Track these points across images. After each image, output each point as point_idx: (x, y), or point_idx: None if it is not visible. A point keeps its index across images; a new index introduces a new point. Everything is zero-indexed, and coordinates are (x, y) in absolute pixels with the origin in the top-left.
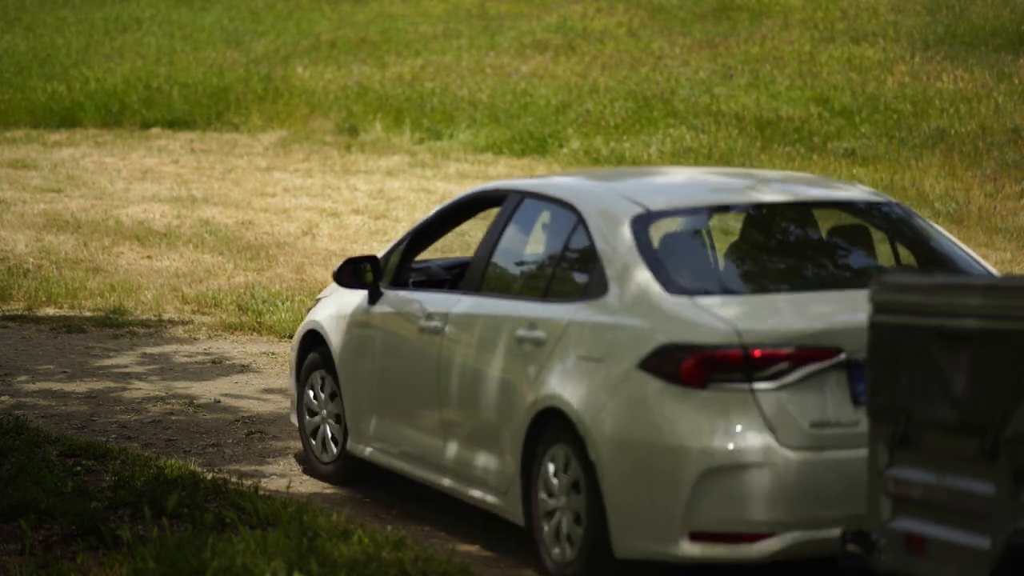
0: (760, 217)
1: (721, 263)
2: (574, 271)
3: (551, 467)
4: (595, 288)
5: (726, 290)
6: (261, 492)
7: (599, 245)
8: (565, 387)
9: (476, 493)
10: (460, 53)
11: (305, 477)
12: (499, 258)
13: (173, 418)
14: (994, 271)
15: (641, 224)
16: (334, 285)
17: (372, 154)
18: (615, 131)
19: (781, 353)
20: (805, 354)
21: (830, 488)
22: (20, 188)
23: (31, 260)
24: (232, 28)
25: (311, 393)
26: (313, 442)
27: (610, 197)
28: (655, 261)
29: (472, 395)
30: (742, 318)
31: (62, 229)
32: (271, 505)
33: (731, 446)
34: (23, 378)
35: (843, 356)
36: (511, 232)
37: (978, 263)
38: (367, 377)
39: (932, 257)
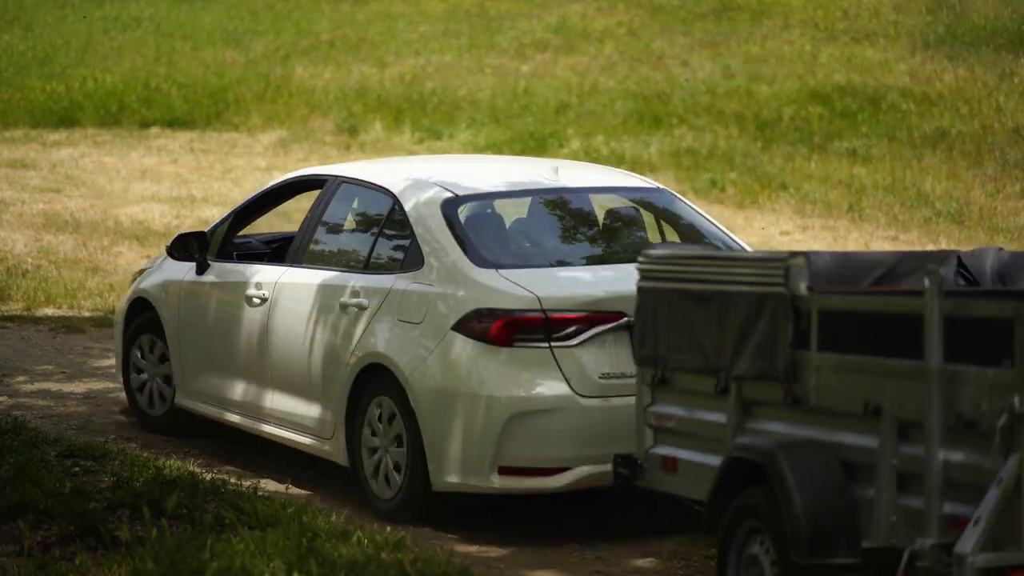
0: (553, 201)
1: (521, 241)
2: (392, 247)
3: (376, 411)
4: (412, 262)
5: (526, 264)
6: (260, 493)
7: (414, 225)
8: (387, 346)
9: (302, 439)
10: (460, 53)
11: (303, 478)
12: (321, 235)
13: None
14: (744, 245)
15: (451, 207)
16: (161, 257)
17: (372, 154)
18: (615, 131)
19: (574, 317)
20: (594, 317)
21: (615, 429)
22: (19, 188)
23: (30, 260)
24: (232, 28)
25: (138, 354)
26: (139, 397)
27: (423, 183)
28: (464, 238)
29: (299, 354)
30: (541, 287)
31: (61, 229)
32: (270, 506)
33: (533, 394)
34: (22, 378)
35: (625, 319)
36: (331, 212)
37: (731, 238)
38: (196, 339)
39: (692, 234)
